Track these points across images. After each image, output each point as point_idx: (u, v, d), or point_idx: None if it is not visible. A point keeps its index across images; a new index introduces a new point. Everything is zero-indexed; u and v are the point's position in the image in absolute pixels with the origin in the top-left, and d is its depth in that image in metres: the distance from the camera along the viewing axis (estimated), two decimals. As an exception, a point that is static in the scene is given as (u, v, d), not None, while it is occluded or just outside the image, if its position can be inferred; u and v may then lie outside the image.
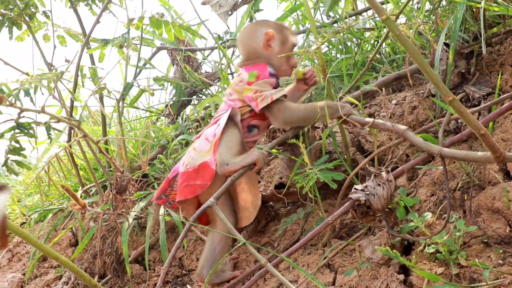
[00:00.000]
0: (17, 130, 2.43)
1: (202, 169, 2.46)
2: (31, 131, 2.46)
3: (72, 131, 3.28)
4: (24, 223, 4.17)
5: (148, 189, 3.51)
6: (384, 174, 2.24)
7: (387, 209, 2.24)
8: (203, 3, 2.84)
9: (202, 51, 4.27)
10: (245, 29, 2.82)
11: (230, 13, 2.81)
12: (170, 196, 2.63)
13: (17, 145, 2.45)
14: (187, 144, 3.77)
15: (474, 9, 2.91)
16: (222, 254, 2.61)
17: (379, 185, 2.20)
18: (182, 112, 4.14)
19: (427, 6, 3.26)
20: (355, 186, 2.24)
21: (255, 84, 2.54)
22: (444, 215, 2.34)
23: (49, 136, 2.54)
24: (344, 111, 2.49)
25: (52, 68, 3.48)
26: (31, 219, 3.95)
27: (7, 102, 2.13)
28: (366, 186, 2.21)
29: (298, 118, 2.56)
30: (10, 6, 3.52)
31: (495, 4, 2.66)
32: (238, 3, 2.80)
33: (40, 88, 2.63)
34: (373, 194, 2.18)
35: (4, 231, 0.59)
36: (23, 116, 2.43)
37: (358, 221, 2.31)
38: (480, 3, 2.60)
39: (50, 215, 3.97)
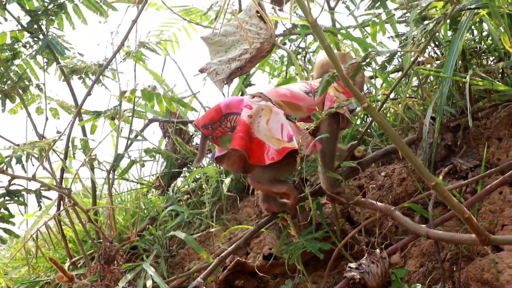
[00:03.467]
0: (7, 197, 2.44)
1: (258, 147, 2.48)
2: (21, 198, 2.47)
3: (61, 202, 3.27)
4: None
5: (137, 261, 3.47)
6: (377, 251, 2.25)
7: (382, 287, 2.24)
8: (201, 71, 2.90)
9: (194, 124, 4.32)
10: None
11: (225, 82, 2.86)
12: (216, 131, 2.57)
13: (6, 212, 2.45)
14: (177, 215, 3.77)
15: (460, 84, 2.97)
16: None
17: (373, 262, 2.22)
18: (173, 184, 4.15)
19: (415, 81, 3.33)
20: (350, 265, 2.25)
21: (341, 93, 2.60)
22: (433, 286, 2.33)
23: (39, 204, 2.54)
24: (335, 189, 2.54)
25: (43, 139, 3.51)
26: (15, 290, 3.89)
27: (-2, 169, 2.15)
28: (361, 264, 2.23)
29: (328, 146, 2.58)
30: (3, 79, 3.58)
31: (480, 79, 2.72)
32: (234, 73, 2.85)
33: (31, 158, 2.65)
34: (367, 272, 2.19)
35: None
36: (14, 184, 2.44)
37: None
38: (465, 77, 2.66)
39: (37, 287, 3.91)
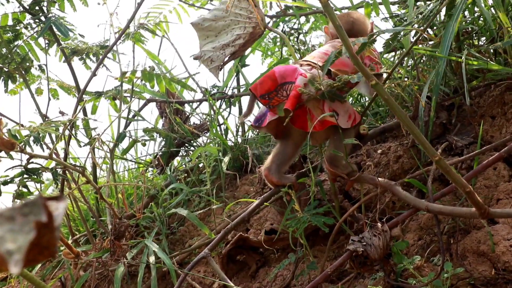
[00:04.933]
0: (25, 176, 2.51)
1: (304, 114, 2.57)
2: (38, 176, 2.54)
3: (65, 182, 3.33)
4: (11, 273, 4.15)
5: (138, 238, 3.55)
6: (379, 225, 2.34)
7: (383, 258, 2.33)
8: (195, 58, 2.96)
9: (190, 104, 4.39)
10: (356, 15, 3.08)
11: (220, 68, 2.93)
12: (272, 100, 2.60)
13: (25, 190, 2.53)
14: (176, 194, 3.85)
15: (453, 64, 3.06)
16: (291, 159, 2.84)
17: (375, 235, 2.30)
18: (170, 163, 4.22)
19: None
20: (352, 237, 2.34)
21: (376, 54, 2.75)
22: (431, 258, 2.44)
23: (56, 181, 2.61)
24: (345, 171, 2.63)
25: (46, 119, 3.57)
26: (20, 269, 3.94)
27: (18, 148, 2.22)
28: (363, 237, 2.31)
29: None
30: (6, 61, 3.62)
31: (474, 59, 2.81)
32: (228, 59, 2.93)
33: (50, 135, 2.72)
34: (369, 244, 2.28)
35: (55, 241, 0.66)
36: (32, 162, 2.51)
37: (356, 271, 2.39)
38: (460, 57, 2.75)
39: (39, 265, 3.98)
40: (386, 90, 1.96)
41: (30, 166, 2.52)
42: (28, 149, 2.44)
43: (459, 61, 2.83)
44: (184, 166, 4.20)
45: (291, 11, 4.36)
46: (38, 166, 2.56)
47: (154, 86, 3.80)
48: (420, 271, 2.37)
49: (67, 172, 2.92)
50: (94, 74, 3.58)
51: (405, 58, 3.25)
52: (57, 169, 2.60)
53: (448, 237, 2.50)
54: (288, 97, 2.54)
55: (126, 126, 4.01)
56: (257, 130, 3.24)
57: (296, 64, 2.71)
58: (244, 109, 2.95)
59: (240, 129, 4.16)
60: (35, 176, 2.53)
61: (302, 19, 4.51)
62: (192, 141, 4.21)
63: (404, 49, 3.21)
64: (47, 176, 4.29)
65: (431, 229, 2.59)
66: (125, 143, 4.12)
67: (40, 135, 2.49)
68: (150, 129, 4.04)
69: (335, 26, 1.85)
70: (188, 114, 4.39)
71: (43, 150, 2.56)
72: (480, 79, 2.98)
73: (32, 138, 2.47)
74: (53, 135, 3.24)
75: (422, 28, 2.28)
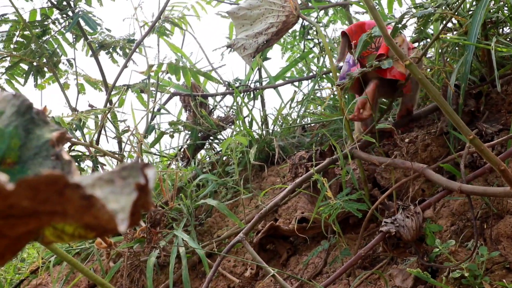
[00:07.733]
0: (68, 163, 2.54)
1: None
2: (79, 164, 2.58)
3: (95, 170, 3.37)
4: (42, 266, 4.20)
5: (165, 230, 3.58)
6: (412, 206, 2.36)
7: (416, 240, 2.35)
8: (229, 46, 3.01)
9: (214, 97, 4.42)
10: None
11: (253, 55, 2.97)
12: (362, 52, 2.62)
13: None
14: (203, 185, 3.88)
15: (478, 53, 3.08)
16: None
17: (407, 217, 2.32)
18: (195, 156, 4.26)
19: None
20: (385, 219, 2.36)
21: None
22: (465, 243, 2.46)
23: (96, 168, 2.65)
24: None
25: (76, 112, 3.61)
26: (49, 262, 3.99)
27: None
28: (395, 218, 2.33)
29: None
30: (36, 56, 3.67)
31: (503, 46, 2.83)
32: (261, 47, 2.96)
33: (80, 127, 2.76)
34: (402, 226, 2.30)
35: (150, 203, 0.68)
36: (73, 150, 2.55)
37: (389, 253, 2.41)
38: (489, 45, 2.77)
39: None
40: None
41: (72, 153, 2.55)
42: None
43: (486, 49, 2.85)
44: (208, 158, 4.23)
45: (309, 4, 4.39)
46: (80, 153, 2.60)
47: (180, 78, 3.84)
48: (454, 256, 2.39)
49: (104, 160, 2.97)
50: (125, 66, 3.62)
51: (435, 46, 3.27)
52: (97, 157, 2.64)
53: (481, 222, 2.51)
54: (376, 48, 2.62)
55: (152, 119, 4.05)
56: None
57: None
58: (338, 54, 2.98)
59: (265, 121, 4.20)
60: (77, 164, 2.57)
61: (321, 12, 4.55)
62: (217, 134, 4.24)
63: (428, 40, 3.23)
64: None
65: (464, 215, 2.61)
66: (150, 137, 4.16)
67: (82, 122, 2.53)
68: (176, 122, 4.07)
69: (369, 7, 1.87)
70: (212, 107, 4.42)
71: (84, 138, 2.60)
72: (508, 67, 3.00)
73: (74, 125, 2.52)
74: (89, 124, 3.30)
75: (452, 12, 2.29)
